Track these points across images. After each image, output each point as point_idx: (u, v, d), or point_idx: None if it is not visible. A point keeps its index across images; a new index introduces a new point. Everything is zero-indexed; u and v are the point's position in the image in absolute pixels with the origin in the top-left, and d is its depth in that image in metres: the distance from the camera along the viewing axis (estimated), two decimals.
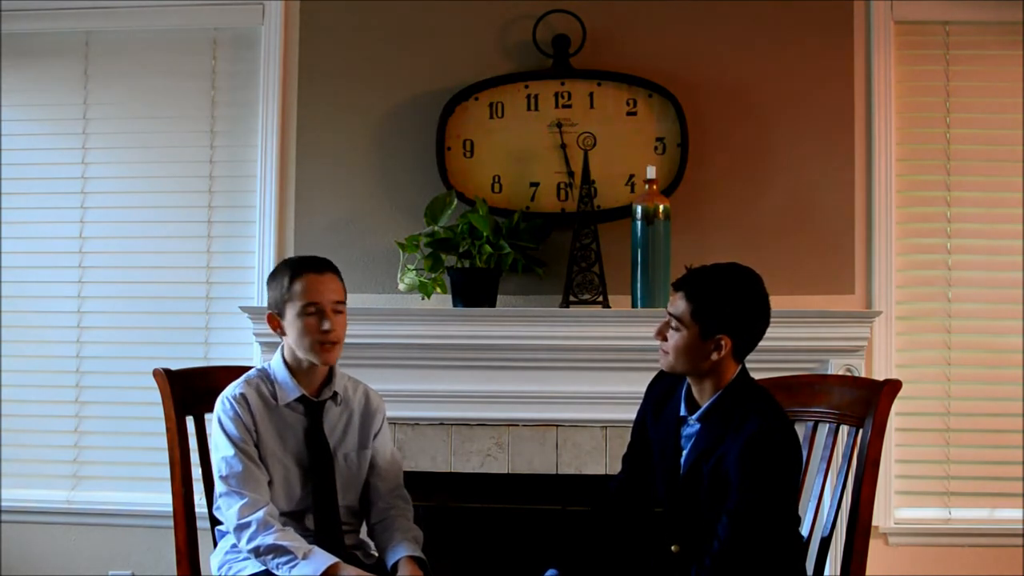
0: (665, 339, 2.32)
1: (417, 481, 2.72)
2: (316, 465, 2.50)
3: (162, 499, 3.22)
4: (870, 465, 2.43)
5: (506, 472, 3.44)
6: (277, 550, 2.32)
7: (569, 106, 3.58)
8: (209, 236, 3.80)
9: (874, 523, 2.72)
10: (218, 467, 2.44)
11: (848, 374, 3.30)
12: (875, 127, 3.59)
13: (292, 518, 2.48)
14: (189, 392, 2.64)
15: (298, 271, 2.48)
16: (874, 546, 2.78)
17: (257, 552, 2.35)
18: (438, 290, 3.44)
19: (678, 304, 2.29)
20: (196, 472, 2.61)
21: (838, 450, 2.62)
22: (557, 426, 3.40)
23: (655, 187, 3.38)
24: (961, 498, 3.59)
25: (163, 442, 2.60)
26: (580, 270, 3.42)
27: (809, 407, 2.63)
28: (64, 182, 3.86)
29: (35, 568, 3.79)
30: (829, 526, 2.53)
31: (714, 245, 3.55)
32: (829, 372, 3.32)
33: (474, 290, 3.40)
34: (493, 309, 3.39)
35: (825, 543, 2.53)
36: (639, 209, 3.35)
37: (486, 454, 3.42)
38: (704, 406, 2.32)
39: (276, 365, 2.55)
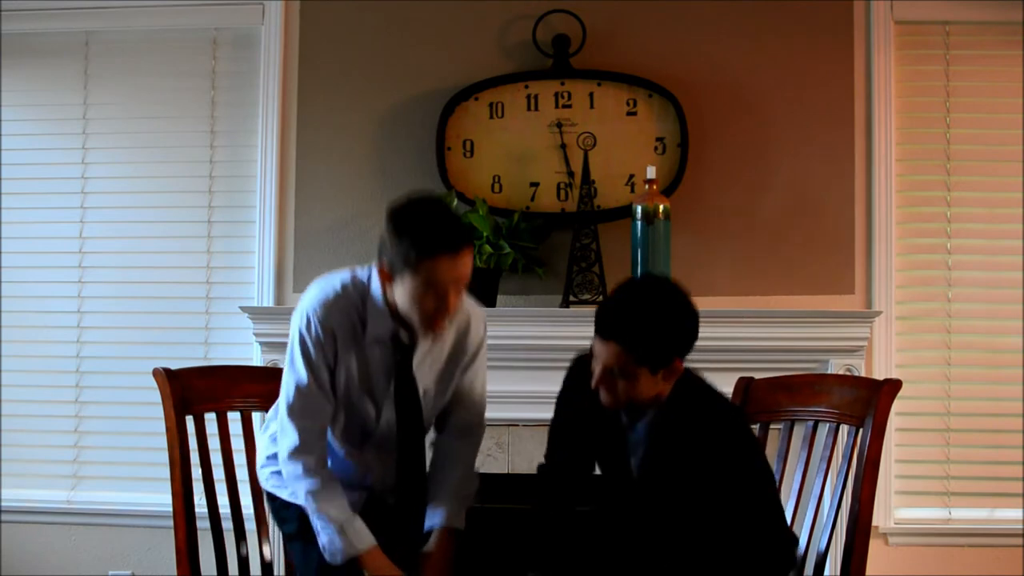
0: (612, 391, 2.14)
1: None
2: (400, 403, 2.28)
3: (162, 499, 3.22)
4: (870, 465, 2.42)
5: (506, 472, 3.44)
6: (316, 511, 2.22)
7: (569, 106, 3.58)
8: (209, 236, 3.80)
9: (874, 523, 2.71)
10: (287, 390, 2.24)
11: (848, 374, 3.30)
12: (875, 127, 3.59)
13: (349, 444, 2.33)
14: (189, 392, 2.63)
15: (431, 250, 2.07)
16: (874, 546, 2.78)
17: (303, 497, 2.23)
18: None
19: (615, 355, 2.09)
20: (196, 472, 2.61)
21: (838, 450, 2.62)
22: None
23: (655, 187, 3.38)
24: (961, 498, 3.59)
25: (163, 442, 2.60)
26: (580, 270, 3.42)
27: (809, 407, 2.63)
28: (64, 182, 3.86)
29: (35, 568, 3.79)
30: (829, 526, 2.53)
31: (714, 245, 3.55)
32: (829, 372, 3.32)
33: (474, 290, 3.37)
34: (493, 309, 3.39)
35: (825, 543, 2.53)
36: (639, 209, 3.35)
37: (486, 454, 3.41)
38: (653, 414, 2.19)
39: (376, 292, 2.22)
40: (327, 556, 2.22)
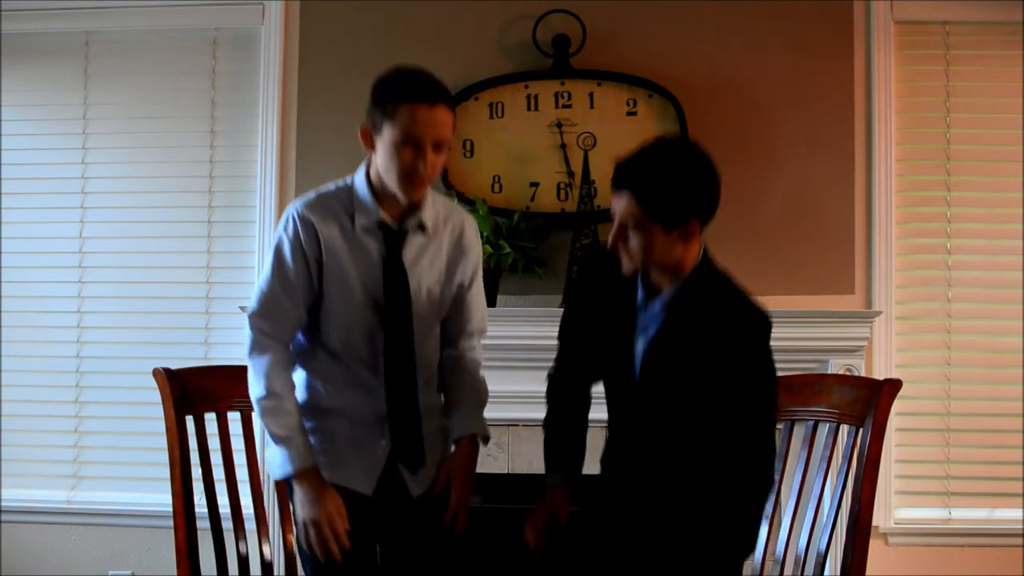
0: (624, 244, 2.07)
1: None
2: (391, 302, 2.22)
3: (162, 499, 3.22)
4: (870, 465, 2.42)
5: (506, 472, 3.44)
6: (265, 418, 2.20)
7: (569, 106, 3.58)
8: (209, 236, 3.80)
9: (874, 523, 2.72)
10: (253, 296, 2.25)
11: (848, 374, 3.30)
12: (875, 127, 3.60)
13: (363, 365, 2.26)
14: (189, 392, 2.63)
15: (406, 97, 2.12)
16: (874, 546, 2.78)
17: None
18: None
19: (626, 206, 2.02)
20: (196, 472, 2.61)
21: (838, 450, 2.62)
22: None
23: None
24: (961, 498, 3.59)
25: (163, 442, 2.59)
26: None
27: (809, 406, 2.63)
28: (64, 182, 3.86)
29: (35, 568, 3.79)
30: (829, 526, 2.53)
31: (714, 245, 3.53)
32: (829, 372, 3.32)
33: None
34: (493, 309, 3.39)
35: (825, 543, 2.53)
36: None
37: (486, 454, 3.40)
38: (672, 291, 2.12)
39: (359, 182, 2.25)
40: (269, 469, 2.23)
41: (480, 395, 2.43)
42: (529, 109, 3.60)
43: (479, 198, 3.48)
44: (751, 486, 2.09)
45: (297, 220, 2.20)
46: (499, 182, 3.60)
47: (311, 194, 2.26)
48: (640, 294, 2.16)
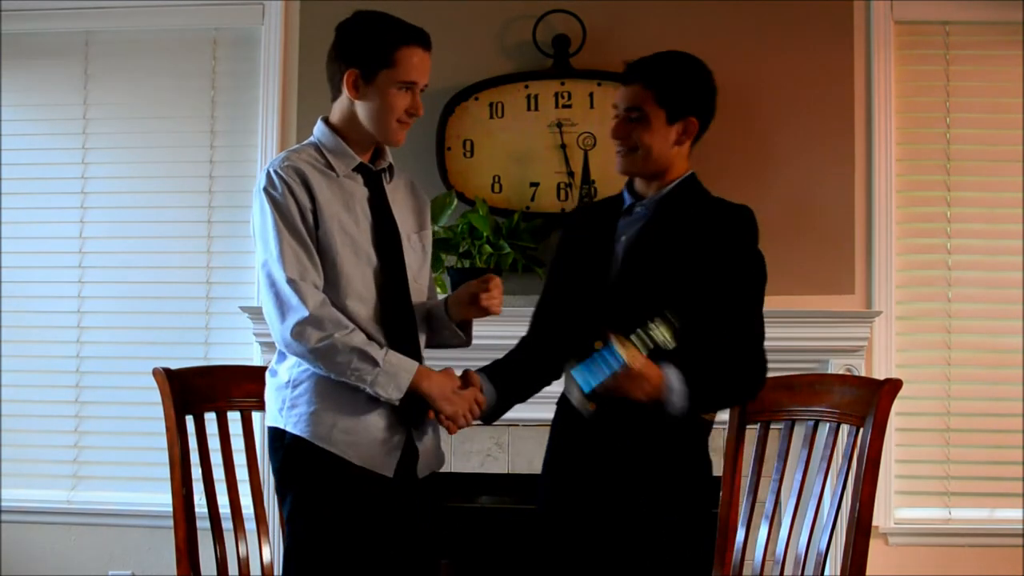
0: (627, 136, 2.18)
1: None
2: (384, 242, 2.17)
3: (162, 499, 3.22)
4: (870, 465, 2.42)
5: (506, 472, 3.44)
6: (361, 354, 2.04)
7: (569, 106, 3.58)
8: (209, 236, 3.80)
9: (874, 523, 2.72)
10: (270, 265, 2.08)
11: (848, 374, 3.30)
12: (875, 127, 3.60)
13: (370, 319, 2.15)
14: (189, 392, 2.63)
15: (409, 40, 2.18)
16: (874, 546, 2.78)
17: (329, 352, 2.03)
18: (438, 290, 3.43)
19: (636, 92, 2.17)
20: (196, 472, 2.61)
21: (838, 450, 2.62)
22: None
23: None
24: (961, 498, 3.59)
25: (163, 442, 2.60)
26: None
27: (809, 406, 2.63)
28: (64, 182, 3.86)
29: (35, 568, 3.79)
30: (829, 526, 2.53)
31: None
32: (829, 372, 3.32)
33: None
34: None
35: (825, 543, 2.53)
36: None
37: (486, 454, 3.42)
38: (662, 192, 2.22)
39: (323, 134, 2.20)
40: (389, 399, 2.09)
41: None
42: (529, 109, 3.60)
43: (479, 198, 3.48)
44: (743, 365, 2.21)
45: (282, 172, 2.10)
46: (499, 182, 3.60)
47: (281, 154, 2.18)
48: (627, 199, 2.27)
